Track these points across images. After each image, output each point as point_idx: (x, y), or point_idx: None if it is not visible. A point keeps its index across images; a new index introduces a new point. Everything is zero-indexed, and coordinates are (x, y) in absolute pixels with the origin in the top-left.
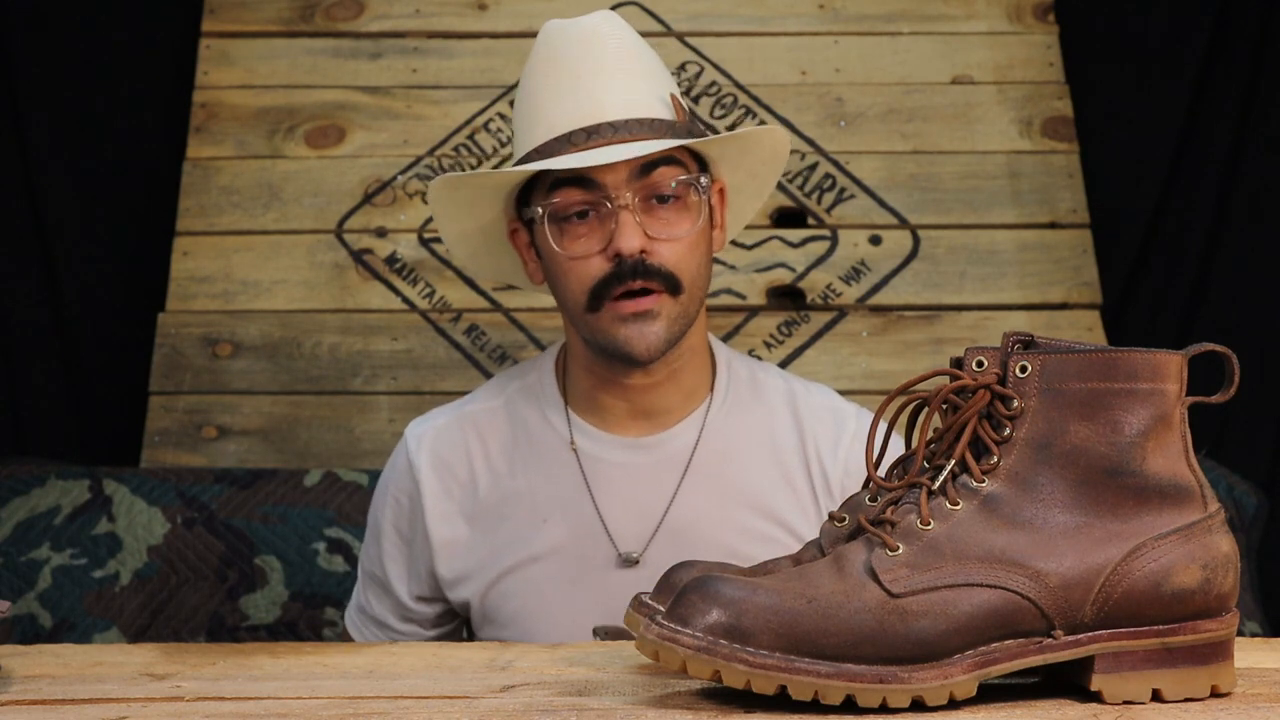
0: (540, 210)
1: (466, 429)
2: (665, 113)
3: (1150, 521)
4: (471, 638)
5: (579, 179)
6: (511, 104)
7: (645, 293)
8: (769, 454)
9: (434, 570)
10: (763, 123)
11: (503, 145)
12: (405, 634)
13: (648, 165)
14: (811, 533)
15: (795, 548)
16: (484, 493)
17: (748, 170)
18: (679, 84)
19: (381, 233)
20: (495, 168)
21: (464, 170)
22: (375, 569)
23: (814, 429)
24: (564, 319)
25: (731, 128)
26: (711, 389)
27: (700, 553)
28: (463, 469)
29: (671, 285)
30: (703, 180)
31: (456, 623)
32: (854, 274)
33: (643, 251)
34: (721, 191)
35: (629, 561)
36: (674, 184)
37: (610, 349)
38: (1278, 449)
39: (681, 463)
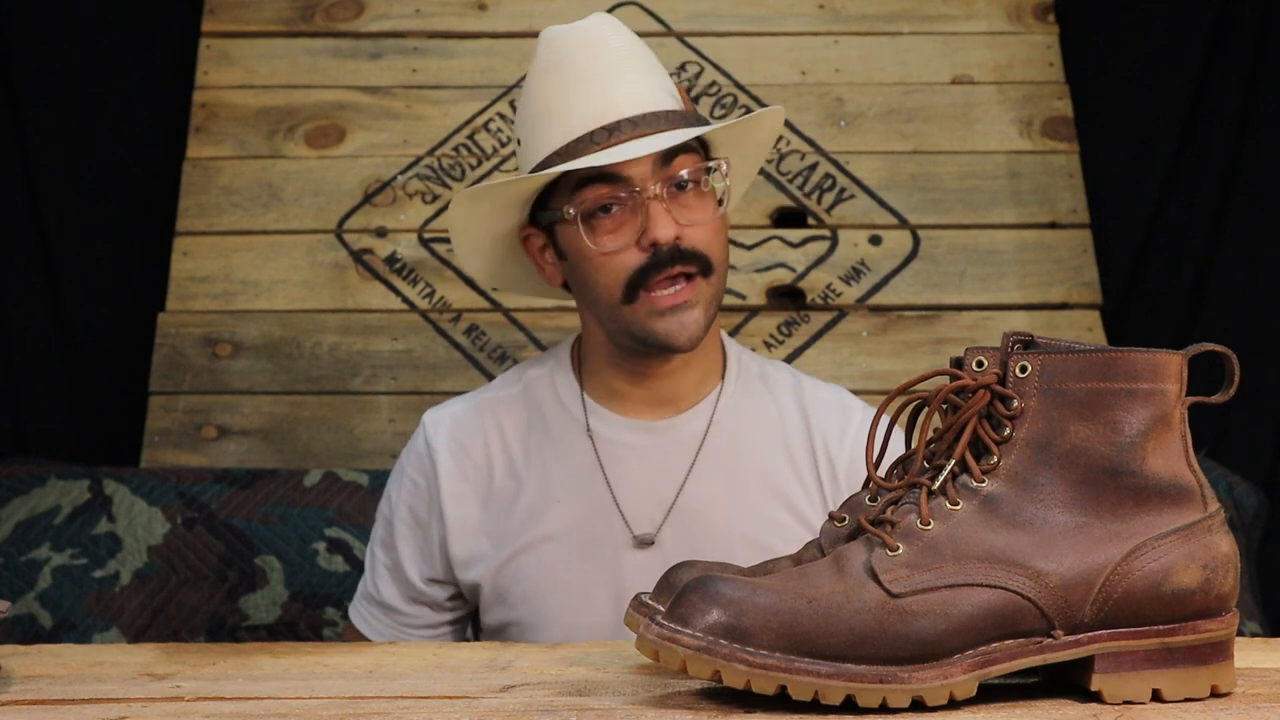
0: (570, 210)
1: (484, 414)
2: (675, 104)
3: (1150, 521)
4: (476, 632)
5: (605, 176)
6: (512, 104)
7: (680, 279)
8: (778, 442)
9: (447, 550)
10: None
11: (503, 145)
12: (412, 616)
13: (668, 155)
14: (816, 516)
15: (803, 533)
16: (499, 475)
17: (741, 153)
18: (679, 84)
19: (381, 233)
20: (497, 169)
21: (465, 171)
22: (387, 550)
23: (821, 422)
24: (584, 313)
25: None
26: (722, 377)
27: (711, 534)
28: (479, 452)
29: (705, 266)
30: (723, 166)
31: (462, 612)
32: (854, 274)
33: (676, 238)
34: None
35: (642, 542)
36: (695, 170)
37: (649, 341)
38: (1278, 449)
39: (694, 446)
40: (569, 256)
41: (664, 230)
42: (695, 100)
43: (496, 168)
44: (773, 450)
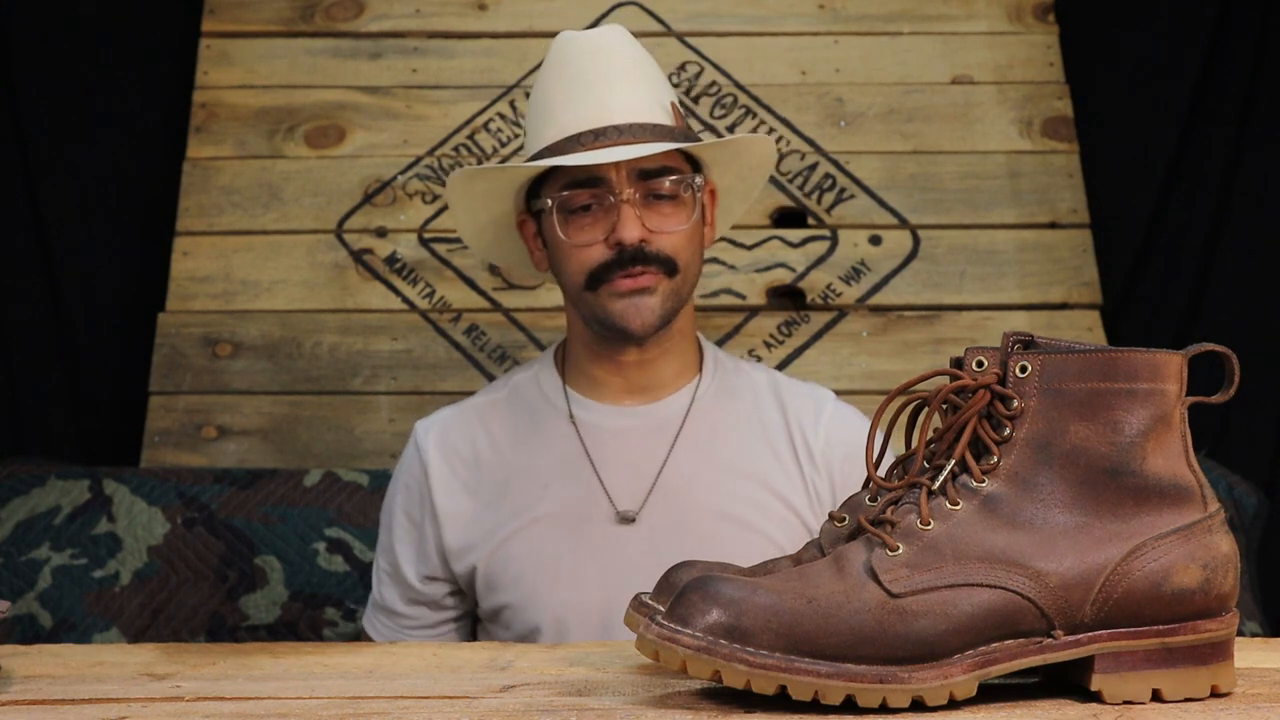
0: (550, 202)
1: (471, 418)
2: (666, 119)
3: (1150, 521)
4: (474, 633)
5: (586, 176)
6: (512, 104)
7: (644, 273)
8: (756, 428)
9: (443, 543)
10: (762, 123)
11: (503, 145)
12: (411, 618)
13: (649, 165)
14: (798, 498)
15: (783, 512)
16: (488, 469)
17: (736, 174)
18: (679, 84)
19: (381, 233)
20: (504, 161)
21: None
22: (386, 555)
23: (796, 409)
24: (565, 301)
25: (731, 129)
26: (700, 370)
27: (692, 511)
28: (468, 450)
29: (669, 267)
30: (696, 180)
31: (461, 610)
32: (854, 274)
33: (642, 240)
34: (713, 193)
35: (626, 519)
36: (670, 183)
37: (607, 324)
38: (1278, 449)
39: (674, 427)
40: (549, 244)
41: (629, 232)
42: (695, 100)
43: (505, 161)
44: (750, 434)
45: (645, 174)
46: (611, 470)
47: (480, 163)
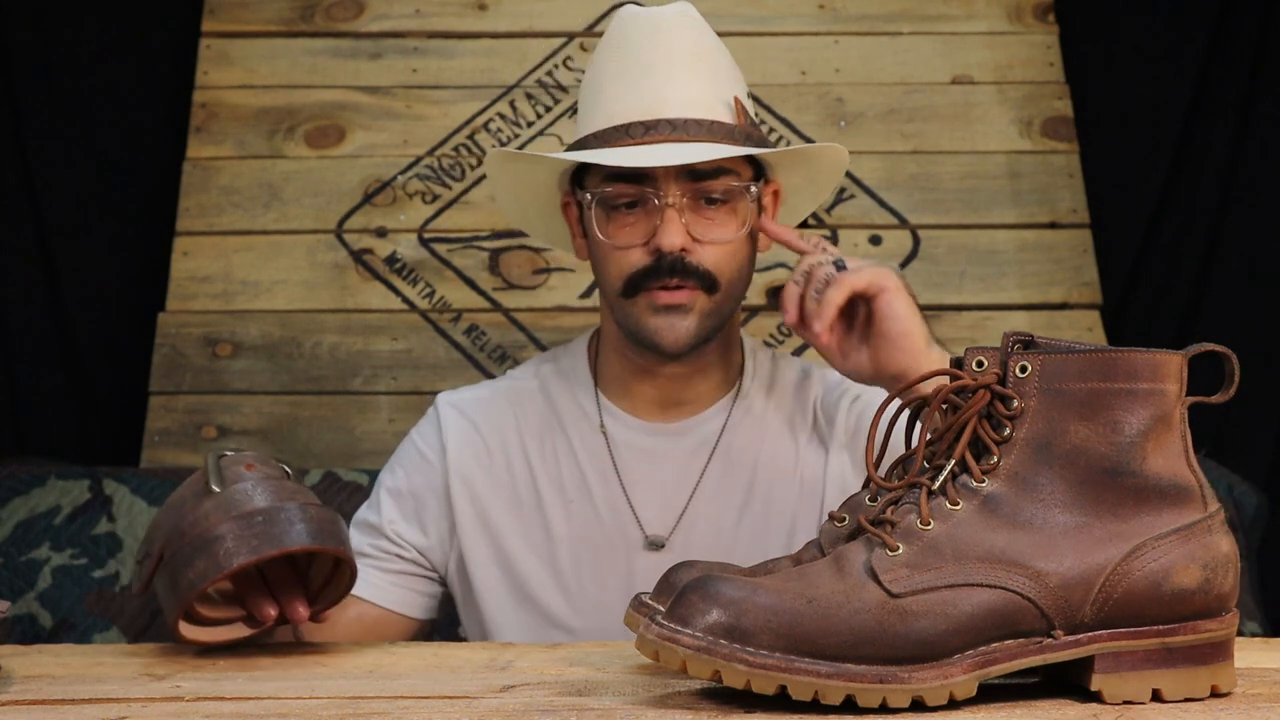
0: (590, 196)
1: (500, 401)
2: (726, 115)
3: (1150, 521)
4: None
5: (630, 171)
6: (512, 105)
7: (681, 287)
8: (788, 443)
9: (453, 536)
10: (762, 123)
11: (503, 145)
12: (372, 559)
13: (700, 166)
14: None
15: (813, 533)
16: (511, 467)
17: (806, 175)
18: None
19: (381, 233)
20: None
21: (465, 171)
22: (370, 510)
23: (824, 403)
24: (601, 301)
25: None
26: (740, 378)
27: (723, 537)
28: (495, 439)
29: (708, 284)
30: (753, 188)
31: (433, 586)
32: None
33: (684, 250)
34: (776, 193)
35: (655, 545)
36: (724, 189)
37: (640, 337)
38: (1278, 449)
39: (707, 450)
40: (589, 238)
41: (671, 239)
42: None
43: (541, 139)
44: (782, 450)
45: (696, 175)
46: (641, 492)
47: (479, 164)
